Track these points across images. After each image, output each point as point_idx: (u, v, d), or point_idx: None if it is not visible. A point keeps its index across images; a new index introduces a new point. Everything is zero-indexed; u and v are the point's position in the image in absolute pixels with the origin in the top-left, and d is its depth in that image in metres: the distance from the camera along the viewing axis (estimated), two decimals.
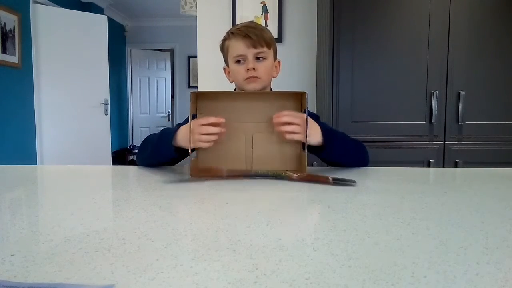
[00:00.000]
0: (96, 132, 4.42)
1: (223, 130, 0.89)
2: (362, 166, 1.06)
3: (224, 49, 1.16)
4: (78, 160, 4.12)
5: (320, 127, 0.95)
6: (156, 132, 1.06)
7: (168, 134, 0.98)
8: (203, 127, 0.88)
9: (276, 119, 0.89)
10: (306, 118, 0.88)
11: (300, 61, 2.39)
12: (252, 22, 1.16)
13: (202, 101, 0.96)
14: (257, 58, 1.10)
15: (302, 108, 0.94)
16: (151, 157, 1.02)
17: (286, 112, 0.89)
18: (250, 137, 0.95)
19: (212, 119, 0.88)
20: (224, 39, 1.16)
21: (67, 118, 4.16)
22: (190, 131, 0.88)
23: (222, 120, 0.89)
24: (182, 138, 0.93)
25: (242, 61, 1.10)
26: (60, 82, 4.11)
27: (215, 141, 0.91)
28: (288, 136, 0.89)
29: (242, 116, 0.95)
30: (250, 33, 1.08)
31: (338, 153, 1.01)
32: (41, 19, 3.95)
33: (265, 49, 1.10)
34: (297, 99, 0.96)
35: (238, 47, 1.09)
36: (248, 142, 0.95)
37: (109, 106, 4.53)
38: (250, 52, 1.09)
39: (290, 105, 0.95)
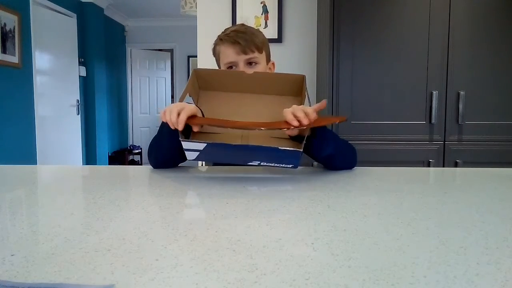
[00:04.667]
0: (68, 133, 4.54)
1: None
2: (349, 168, 1.00)
3: (216, 54, 1.14)
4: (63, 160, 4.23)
5: None
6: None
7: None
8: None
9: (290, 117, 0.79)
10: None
11: (300, 61, 2.39)
12: (242, 25, 1.12)
13: (203, 91, 0.95)
14: (249, 63, 1.07)
15: (302, 98, 0.94)
16: (160, 150, 0.97)
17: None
18: (247, 132, 0.92)
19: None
20: (215, 44, 1.13)
21: (45, 119, 4.20)
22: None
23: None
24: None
25: (234, 68, 1.08)
26: (51, 81, 4.17)
27: (211, 134, 0.90)
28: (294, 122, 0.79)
29: (239, 110, 0.93)
30: (239, 39, 1.05)
31: (329, 148, 0.92)
32: (41, 19, 3.94)
33: (256, 54, 1.07)
34: (297, 99, 0.95)
35: (228, 54, 1.07)
36: (244, 138, 0.92)
37: (79, 106, 4.66)
38: (241, 59, 1.06)
39: (291, 103, 0.95)
